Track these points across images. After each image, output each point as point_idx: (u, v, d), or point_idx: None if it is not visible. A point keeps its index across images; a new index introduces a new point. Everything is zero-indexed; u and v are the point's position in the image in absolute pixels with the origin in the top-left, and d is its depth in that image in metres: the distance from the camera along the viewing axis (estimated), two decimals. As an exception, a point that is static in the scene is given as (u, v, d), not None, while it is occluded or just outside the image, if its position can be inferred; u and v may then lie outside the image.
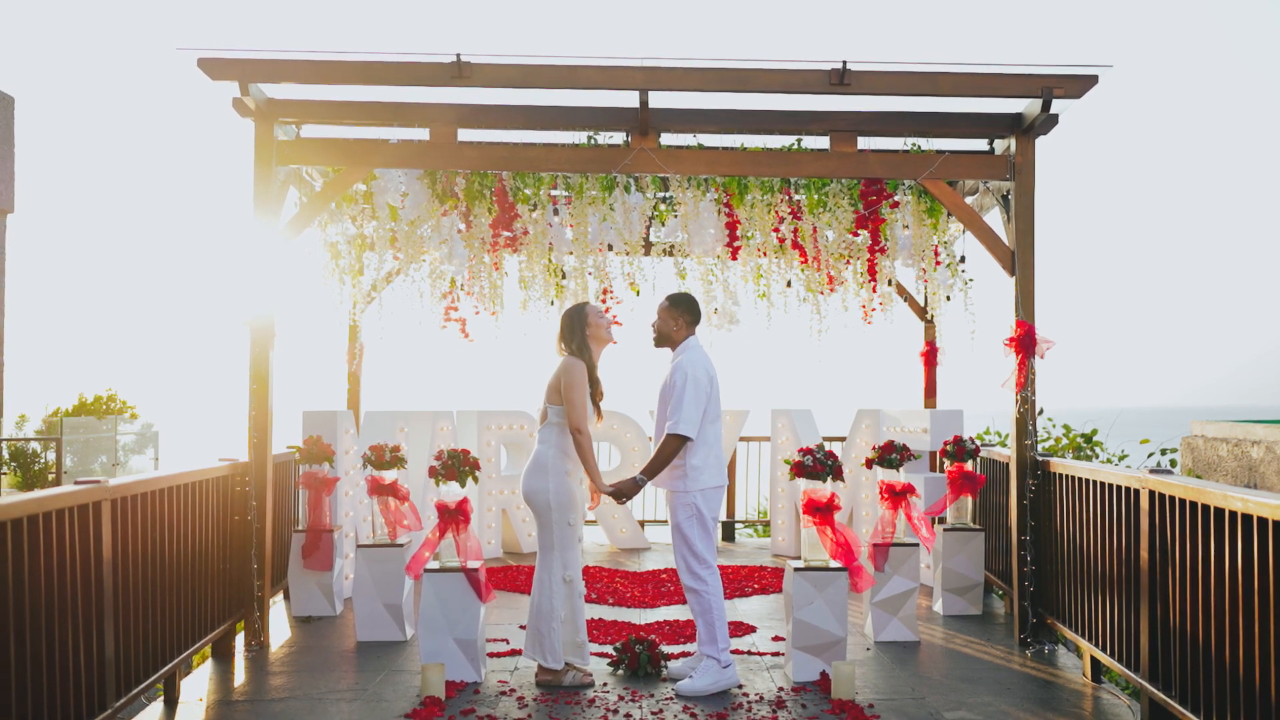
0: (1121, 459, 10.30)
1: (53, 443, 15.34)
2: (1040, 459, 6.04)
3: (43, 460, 15.63)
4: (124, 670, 4.30)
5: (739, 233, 7.19)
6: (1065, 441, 10.46)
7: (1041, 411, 10.45)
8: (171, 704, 4.85)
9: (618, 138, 6.59)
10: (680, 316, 5.31)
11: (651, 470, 5.12)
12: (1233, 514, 3.71)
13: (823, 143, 6.50)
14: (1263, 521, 3.49)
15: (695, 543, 5.10)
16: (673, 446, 5.07)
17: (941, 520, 7.09)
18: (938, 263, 7.55)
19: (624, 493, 5.17)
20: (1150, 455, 10.69)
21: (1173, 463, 10.86)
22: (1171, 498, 4.27)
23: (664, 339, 5.35)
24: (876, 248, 7.39)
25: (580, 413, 5.04)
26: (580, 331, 5.18)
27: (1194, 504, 4.05)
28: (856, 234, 7.36)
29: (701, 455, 5.12)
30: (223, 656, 5.68)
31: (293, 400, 7.04)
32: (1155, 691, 4.42)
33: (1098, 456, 10.44)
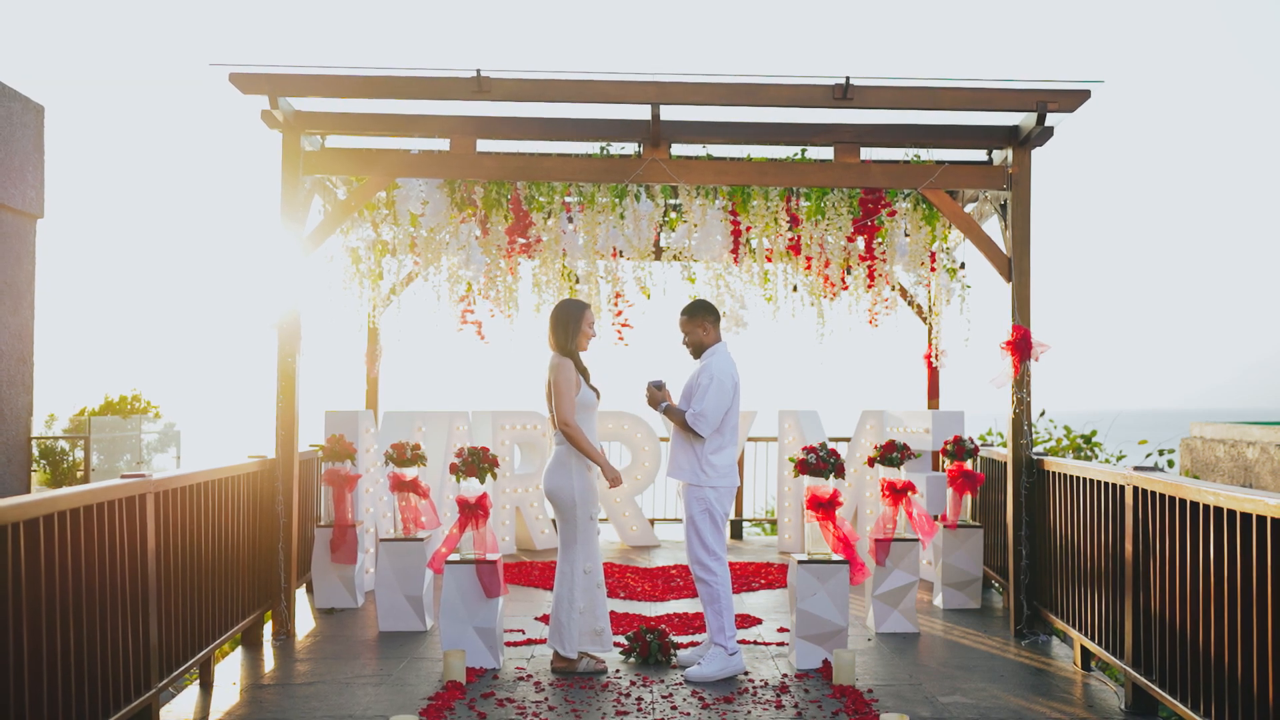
0: (1119, 459, 10.49)
1: (80, 441, 15.73)
2: (1035, 458, 6.25)
3: (70, 458, 16.03)
4: (165, 654, 4.58)
5: (744, 239, 7.41)
6: (1065, 442, 10.67)
7: (1044, 413, 10.67)
8: (207, 687, 5.12)
9: (630, 148, 6.81)
10: (703, 321, 5.53)
11: (671, 412, 5.42)
12: (1207, 507, 3.94)
13: (826, 153, 6.73)
14: (1231, 514, 3.72)
15: (706, 536, 5.34)
16: (688, 428, 5.34)
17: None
18: (933, 268, 7.79)
19: (651, 398, 5.49)
20: (1148, 456, 10.88)
21: (1170, 463, 11.04)
22: (1154, 493, 4.50)
23: (699, 348, 5.55)
24: (873, 254, 7.63)
25: (568, 406, 5.26)
26: (576, 327, 5.41)
27: (1174, 499, 4.28)
28: (853, 239, 7.59)
29: (720, 455, 5.37)
30: (251, 645, 5.95)
31: (314, 400, 7.30)
32: (1139, 677, 4.65)
33: (1097, 457, 10.63)
